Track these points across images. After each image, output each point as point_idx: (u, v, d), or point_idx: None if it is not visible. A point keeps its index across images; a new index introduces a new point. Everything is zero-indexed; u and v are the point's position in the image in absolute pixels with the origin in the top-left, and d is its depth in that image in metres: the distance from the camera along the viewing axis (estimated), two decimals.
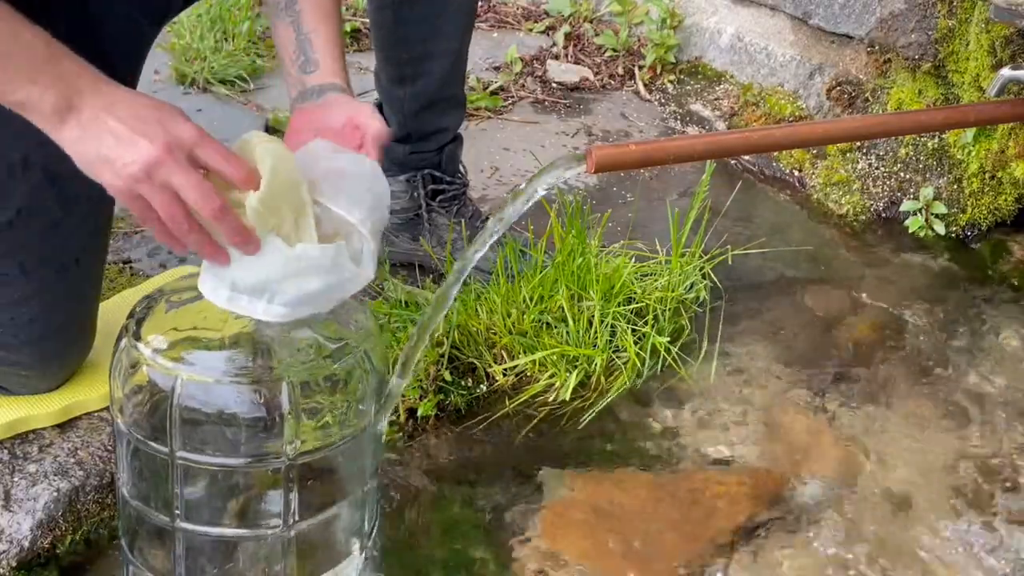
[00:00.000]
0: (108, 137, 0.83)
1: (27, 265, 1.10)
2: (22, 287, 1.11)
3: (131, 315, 0.95)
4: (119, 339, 0.94)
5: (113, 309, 1.32)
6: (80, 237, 1.13)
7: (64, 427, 1.20)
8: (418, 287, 1.51)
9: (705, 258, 1.57)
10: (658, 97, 2.35)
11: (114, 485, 1.12)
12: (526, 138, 2.12)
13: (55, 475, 1.14)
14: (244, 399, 0.91)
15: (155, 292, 0.99)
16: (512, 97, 2.30)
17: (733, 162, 2.09)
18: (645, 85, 2.38)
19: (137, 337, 0.92)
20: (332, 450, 0.96)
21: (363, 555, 1.06)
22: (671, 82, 2.37)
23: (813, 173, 2.01)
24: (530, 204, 0.91)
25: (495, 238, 0.91)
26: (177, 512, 0.93)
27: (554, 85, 2.37)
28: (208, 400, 0.90)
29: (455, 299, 1.32)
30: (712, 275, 1.58)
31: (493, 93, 2.28)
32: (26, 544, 1.09)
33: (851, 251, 1.82)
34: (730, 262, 1.58)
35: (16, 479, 1.13)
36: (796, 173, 2.03)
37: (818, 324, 1.60)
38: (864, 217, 1.92)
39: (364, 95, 2.19)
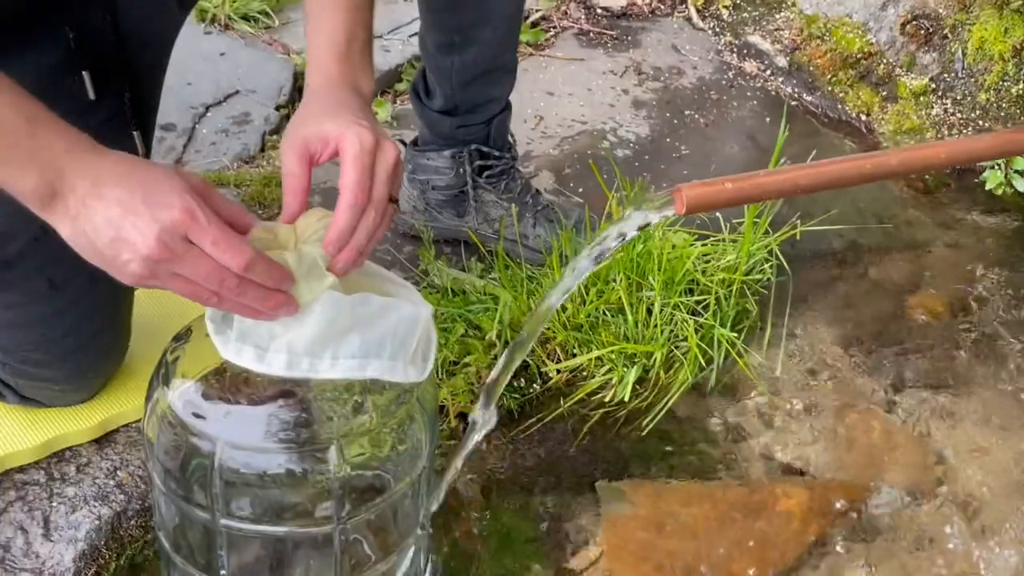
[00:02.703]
0: (101, 233, 0.75)
1: (57, 279, 1.03)
2: (53, 303, 1.05)
3: (161, 363, 0.88)
4: (151, 387, 0.88)
5: (142, 303, 1.25)
6: None
7: (101, 442, 1.16)
8: (463, 269, 1.42)
9: (772, 236, 1.46)
10: (712, 25, 2.18)
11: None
12: (571, 79, 1.98)
13: (95, 500, 1.09)
14: (289, 462, 0.84)
15: (183, 331, 0.91)
16: (555, 27, 2.15)
17: (794, 103, 1.95)
18: (698, 11, 2.21)
19: (168, 384, 0.85)
20: (383, 505, 0.90)
21: None
22: (726, 8, 2.19)
23: (883, 118, 1.86)
24: (615, 250, 0.81)
25: (573, 288, 0.81)
26: (223, 573, 0.88)
27: (599, 11, 2.21)
28: (251, 464, 0.84)
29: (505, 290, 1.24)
30: (777, 250, 1.47)
31: (534, 24, 2.13)
32: None
33: (921, 210, 1.70)
34: (798, 238, 1.47)
35: (55, 504, 1.09)
36: (863, 117, 1.89)
37: (887, 300, 1.50)
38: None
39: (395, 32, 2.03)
